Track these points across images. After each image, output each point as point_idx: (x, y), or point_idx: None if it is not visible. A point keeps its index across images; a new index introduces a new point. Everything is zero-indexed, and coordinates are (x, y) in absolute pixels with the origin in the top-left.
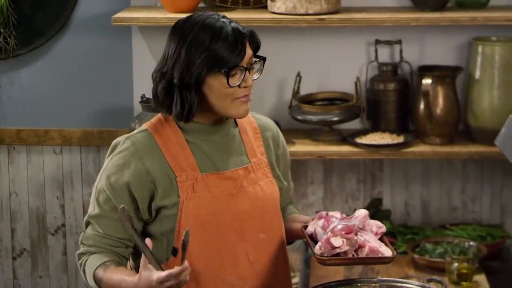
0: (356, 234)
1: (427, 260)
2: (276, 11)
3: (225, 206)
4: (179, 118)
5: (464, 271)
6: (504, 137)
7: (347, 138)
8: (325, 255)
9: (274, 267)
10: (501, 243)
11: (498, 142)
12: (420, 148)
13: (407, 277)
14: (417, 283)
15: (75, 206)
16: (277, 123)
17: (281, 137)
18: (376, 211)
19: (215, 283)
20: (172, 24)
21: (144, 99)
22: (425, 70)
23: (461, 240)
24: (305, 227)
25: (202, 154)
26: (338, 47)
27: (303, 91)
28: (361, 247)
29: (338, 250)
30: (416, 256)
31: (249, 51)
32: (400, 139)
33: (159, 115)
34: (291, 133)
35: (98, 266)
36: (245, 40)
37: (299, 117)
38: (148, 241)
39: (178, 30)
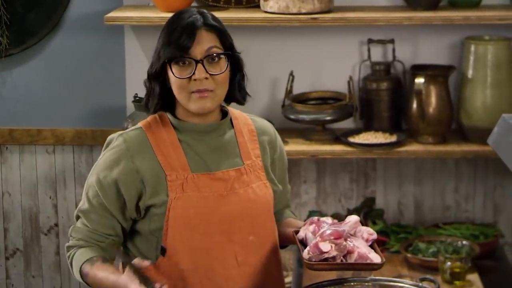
0: (345, 240)
1: (420, 259)
2: (269, 10)
3: (214, 207)
4: (147, 109)
5: (457, 270)
6: (497, 136)
7: (340, 137)
8: (313, 259)
9: (265, 270)
10: (494, 242)
11: (491, 141)
12: (413, 147)
13: (400, 276)
14: (410, 282)
15: (68, 206)
16: (269, 121)
17: (279, 141)
18: (369, 210)
19: (202, 283)
20: (164, 23)
21: (137, 98)
22: (418, 69)
23: (454, 239)
24: (297, 232)
25: (194, 154)
26: (331, 46)
27: (296, 91)
28: (350, 252)
29: (326, 255)
30: (409, 255)
31: (204, 44)
32: (393, 138)
33: (155, 114)
34: (284, 132)
35: (85, 261)
36: (195, 31)
37: (292, 117)
38: (145, 263)
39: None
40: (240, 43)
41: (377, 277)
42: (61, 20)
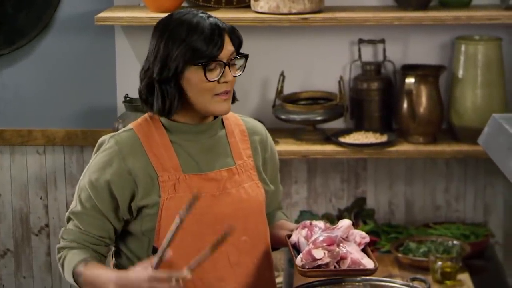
0: (338, 246)
1: (411, 259)
2: (259, 10)
3: (206, 207)
4: (160, 114)
5: (448, 270)
6: (487, 136)
7: (330, 137)
8: (306, 267)
9: (257, 270)
10: (484, 242)
11: (481, 141)
12: (404, 147)
13: (391, 276)
14: (401, 282)
15: (58, 207)
16: (260, 122)
17: (270, 141)
18: (360, 210)
19: (194, 283)
20: (155, 23)
21: (128, 99)
22: (408, 69)
23: (445, 239)
24: (289, 236)
25: (186, 154)
26: (322, 46)
27: (287, 91)
28: (343, 258)
29: (319, 262)
30: (400, 255)
31: (229, 47)
32: (384, 138)
33: (146, 115)
34: (275, 132)
35: (78, 262)
36: (223, 34)
37: (283, 117)
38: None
39: (158, 28)
40: None
41: (368, 277)
42: (52, 20)
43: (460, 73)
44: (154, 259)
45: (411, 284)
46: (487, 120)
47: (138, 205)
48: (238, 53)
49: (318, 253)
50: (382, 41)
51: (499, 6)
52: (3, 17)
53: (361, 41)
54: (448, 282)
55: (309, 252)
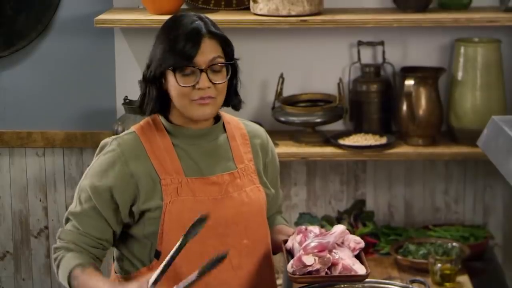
0: (330, 252)
1: (410, 261)
2: (259, 12)
3: (209, 211)
4: (141, 111)
5: (447, 272)
6: (487, 138)
7: (330, 139)
8: (297, 273)
9: (258, 273)
10: (484, 244)
11: (480, 143)
12: (403, 149)
13: (390, 278)
14: (400, 284)
15: (58, 209)
16: (260, 125)
17: (271, 145)
18: (359, 212)
19: (197, 287)
20: (154, 25)
21: (127, 101)
22: (407, 71)
23: (444, 241)
24: (286, 241)
25: (188, 158)
26: (321, 48)
27: (286, 93)
28: (334, 264)
29: (309, 269)
30: (399, 257)
31: (208, 53)
32: (383, 140)
33: (148, 118)
34: (274, 134)
35: (76, 265)
36: (200, 40)
37: (282, 119)
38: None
39: (159, 31)
40: None
41: (367, 279)
42: (51, 22)
43: (460, 75)
44: (153, 276)
45: (410, 286)
46: (487, 122)
47: (140, 209)
48: (228, 60)
49: (309, 260)
50: (382, 43)
51: (498, 8)
52: (3, 19)
53: (360, 43)
54: (447, 284)
55: (299, 259)
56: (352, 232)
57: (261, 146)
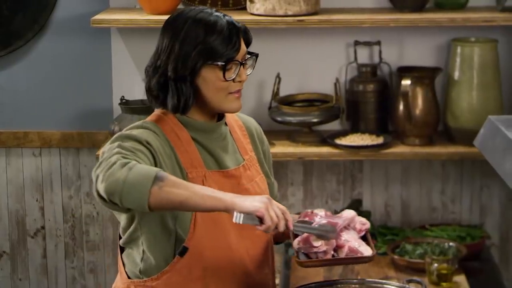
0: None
1: (407, 260)
2: (255, 12)
3: None
4: (175, 111)
5: (444, 271)
6: (483, 137)
7: (326, 139)
8: (302, 251)
9: (267, 264)
10: (480, 244)
11: (477, 143)
12: (400, 149)
13: (387, 278)
14: (397, 284)
15: (54, 209)
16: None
17: (263, 133)
18: (356, 212)
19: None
20: (151, 25)
21: (124, 101)
22: (404, 71)
23: (441, 241)
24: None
25: (205, 152)
26: (317, 48)
27: (283, 93)
28: (340, 247)
29: (315, 250)
30: (396, 257)
31: (243, 46)
32: (380, 140)
33: (156, 111)
34: (271, 134)
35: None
36: (240, 34)
37: (279, 119)
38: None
39: (171, 25)
40: None
41: (364, 279)
42: (48, 22)
43: (456, 75)
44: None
45: (407, 286)
46: (483, 122)
47: None
48: (249, 52)
49: (316, 241)
50: (378, 43)
51: (495, 8)
52: None
53: (357, 43)
54: (444, 284)
55: (307, 239)
56: None
57: (257, 136)
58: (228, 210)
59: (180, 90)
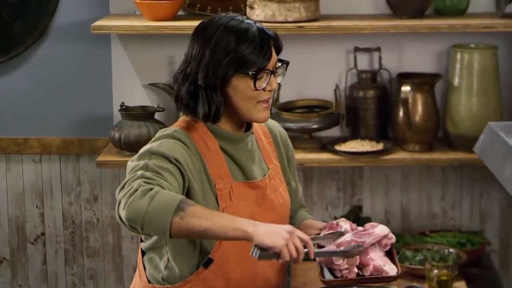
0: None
1: (407, 267)
2: (255, 18)
3: (250, 215)
4: (205, 120)
5: (444, 278)
6: (483, 144)
7: (326, 145)
8: (324, 265)
9: (282, 273)
10: (480, 250)
11: (477, 149)
12: (400, 155)
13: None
14: None
15: (54, 215)
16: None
17: (288, 138)
18: (356, 218)
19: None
20: (151, 32)
21: (124, 107)
22: (404, 77)
23: (441, 247)
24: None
25: (232, 162)
26: (317, 54)
27: (283, 99)
28: (365, 265)
29: (336, 267)
30: None
31: (274, 54)
32: (380, 146)
33: (183, 118)
34: None
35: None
36: (270, 42)
37: None
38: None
39: (201, 32)
40: None
41: (364, 285)
42: (48, 28)
43: (456, 81)
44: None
45: None
46: (483, 128)
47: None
48: (279, 60)
49: (337, 259)
50: (378, 49)
51: (495, 14)
52: (0, 25)
53: (357, 49)
54: None
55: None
56: None
57: (281, 140)
58: (248, 240)
59: (210, 98)
